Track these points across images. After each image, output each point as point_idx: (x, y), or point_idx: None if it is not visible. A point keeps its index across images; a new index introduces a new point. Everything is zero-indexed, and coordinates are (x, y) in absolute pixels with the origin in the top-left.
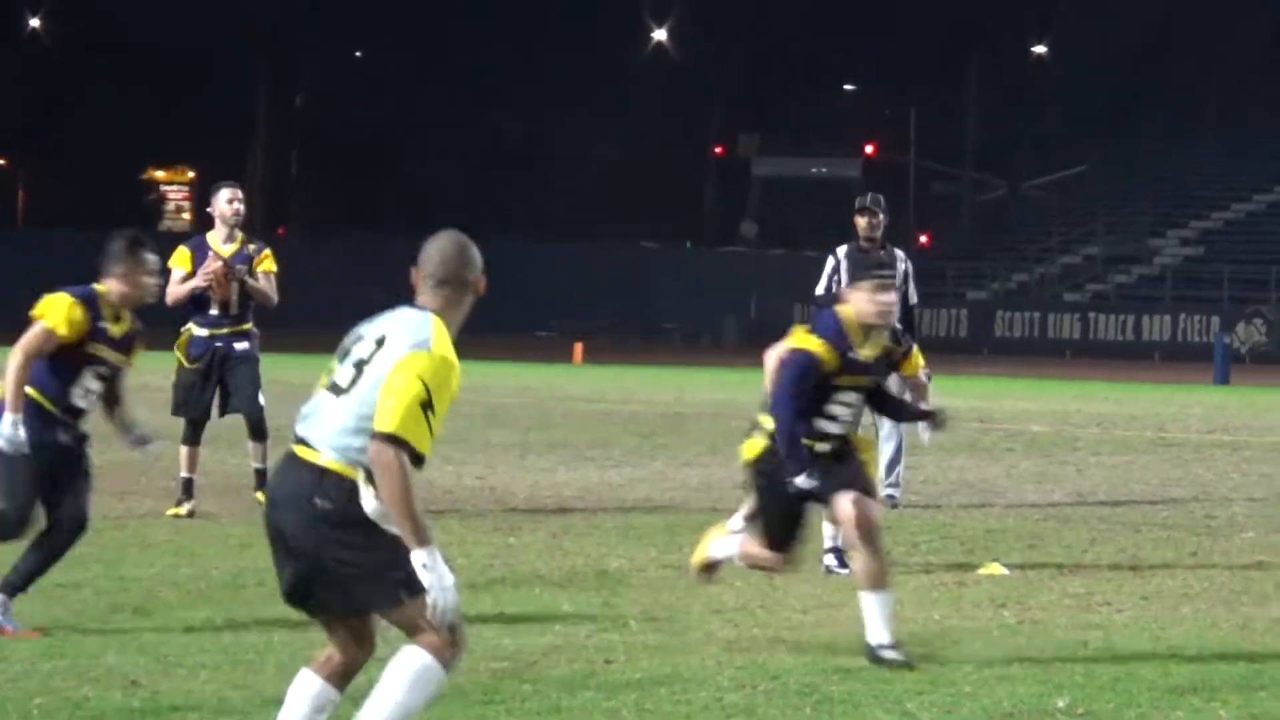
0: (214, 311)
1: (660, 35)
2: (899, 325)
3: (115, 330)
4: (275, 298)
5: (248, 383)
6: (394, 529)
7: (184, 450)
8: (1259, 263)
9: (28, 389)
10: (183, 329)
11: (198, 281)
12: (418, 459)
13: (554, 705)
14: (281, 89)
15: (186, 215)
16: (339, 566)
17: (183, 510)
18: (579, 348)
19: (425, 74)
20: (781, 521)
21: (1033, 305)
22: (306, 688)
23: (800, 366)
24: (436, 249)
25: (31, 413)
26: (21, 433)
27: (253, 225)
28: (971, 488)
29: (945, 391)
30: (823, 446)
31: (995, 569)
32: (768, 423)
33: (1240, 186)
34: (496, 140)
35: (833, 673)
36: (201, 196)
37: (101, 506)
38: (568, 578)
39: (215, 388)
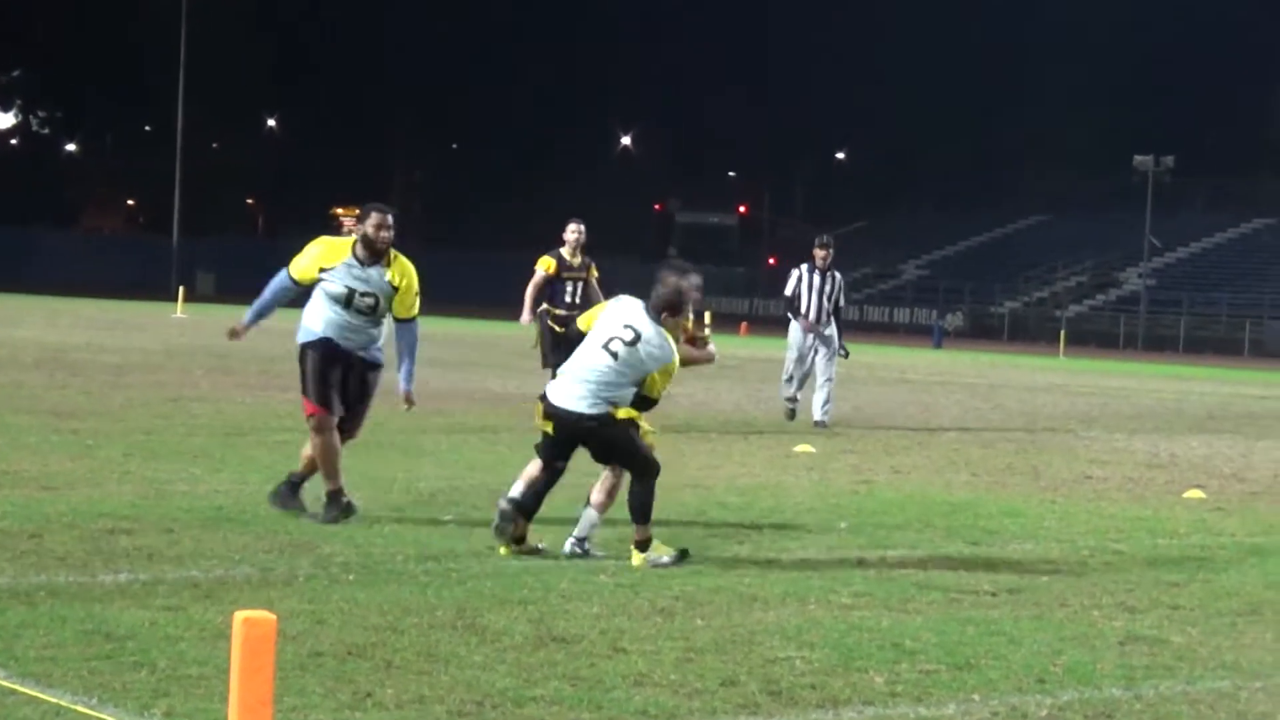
0: (567, 300)
1: (626, 140)
2: (832, 317)
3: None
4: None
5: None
6: None
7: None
8: (961, 278)
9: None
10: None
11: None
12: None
13: None
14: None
15: None
16: None
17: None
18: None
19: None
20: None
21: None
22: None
23: None
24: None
25: None
26: None
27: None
28: None
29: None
30: None
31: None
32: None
33: (948, 238)
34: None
35: None
36: None
37: None
38: None
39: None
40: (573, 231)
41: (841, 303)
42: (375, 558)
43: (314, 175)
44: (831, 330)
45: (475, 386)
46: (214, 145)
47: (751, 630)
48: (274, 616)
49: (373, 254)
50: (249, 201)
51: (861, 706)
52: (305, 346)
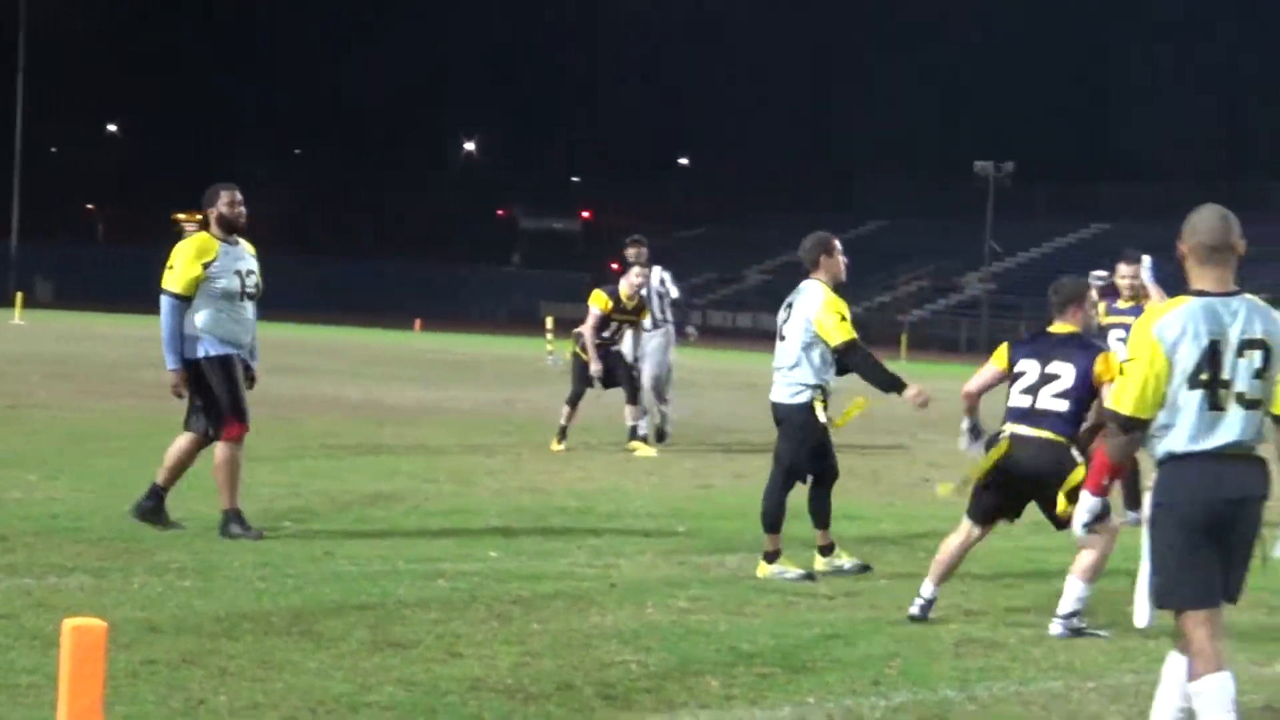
0: (605, 335)
1: (469, 146)
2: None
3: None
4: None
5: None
6: None
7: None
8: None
9: None
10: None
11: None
12: None
13: None
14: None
15: None
16: None
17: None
18: (419, 322)
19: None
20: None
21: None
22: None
23: None
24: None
25: None
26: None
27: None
28: None
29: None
30: None
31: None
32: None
33: (790, 243)
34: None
35: None
36: None
37: None
38: None
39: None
40: (638, 275)
41: (675, 295)
42: (212, 565)
43: (155, 181)
44: (659, 338)
45: (314, 392)
46: (53, 149)
47: (588, 634)
48: (104, 624)
49: (233, 232)
50: (89, 207)
51: (697, 710)
52: (205, 362)
